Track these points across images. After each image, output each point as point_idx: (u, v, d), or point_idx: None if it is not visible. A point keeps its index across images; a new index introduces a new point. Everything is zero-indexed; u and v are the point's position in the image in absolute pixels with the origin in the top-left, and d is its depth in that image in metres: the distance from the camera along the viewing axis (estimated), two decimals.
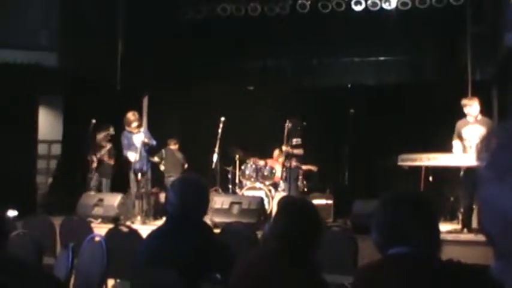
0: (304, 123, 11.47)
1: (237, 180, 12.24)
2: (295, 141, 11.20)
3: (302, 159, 11.48)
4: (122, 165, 11.23)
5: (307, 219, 3.14)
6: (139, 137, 10.67)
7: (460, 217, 9.54)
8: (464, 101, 9.17)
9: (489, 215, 1.06)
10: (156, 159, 11.87)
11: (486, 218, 1.08)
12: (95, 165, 11.70)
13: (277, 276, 3.01)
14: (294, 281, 2.98)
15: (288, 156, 11.21)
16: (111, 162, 11.85)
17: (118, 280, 6.03)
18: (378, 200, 2.72)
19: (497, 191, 1.03)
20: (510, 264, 1.04)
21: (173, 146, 12.34)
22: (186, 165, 12.32)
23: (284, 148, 11.21)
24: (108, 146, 11.87)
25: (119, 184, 11.68)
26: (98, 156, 11.70)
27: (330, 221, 10.88)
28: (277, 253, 3.07)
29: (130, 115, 10.68)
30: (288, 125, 11.16)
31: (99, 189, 11.70)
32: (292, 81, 13.94)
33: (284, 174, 11.34)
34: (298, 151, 11.29)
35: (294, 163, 11.28)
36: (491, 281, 1.02)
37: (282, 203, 3.52)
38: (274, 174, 11.96)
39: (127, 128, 10.74)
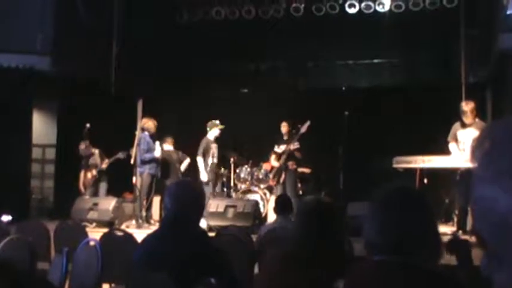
0: (299, 126, 11.49)
1: (232, 184, 12.23)
2: (295, 144, 11.21)
3: (298, 163, 11.50)
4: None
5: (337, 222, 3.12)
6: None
7: (455, 219, 9.56)
8: (461, 104, 9.20)
9: (482, 217, 1.06)
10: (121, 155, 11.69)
11: (478, 219, 1.07)
12: (92, 176, 11.77)
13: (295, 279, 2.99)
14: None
15: (289, 157, 11.23)
16: (104, 166, 11.83)
17: (113, 285, 6.01)
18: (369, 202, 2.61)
19: (491, 192, 1.02)
20: (502, 266, 1.04)
21: (169, 145, 12.00)
22: (186, 162, 12.08)
23: (286, 148, 11.19)
24: (96, 151, 11.88)
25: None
26: (95, 167, 11.75)
27: None
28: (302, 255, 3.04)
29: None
30: (289, 127, 11.27)
31: (95, 195, 11.71)
32: (286, 84, 13.95)
33: (283, 175, 11.32)
34: (298, 154, 11.30)
35: (293, 166, 11.30)
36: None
37: (311, 206, 3.41)
38: (269, 177, 11.95)
39: (149, 133, 10.83)
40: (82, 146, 11.80)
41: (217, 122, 11.25)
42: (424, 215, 2.41)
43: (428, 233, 2.37)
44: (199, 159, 11.08)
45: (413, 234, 2.33)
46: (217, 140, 11.25)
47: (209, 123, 11.22)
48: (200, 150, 11.08)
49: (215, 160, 11.19)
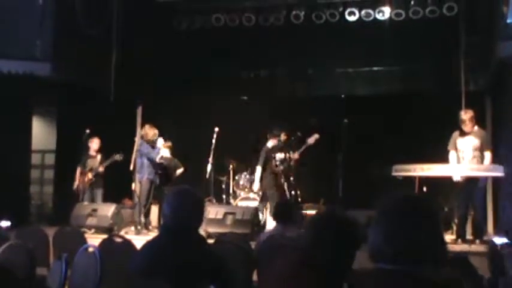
0: (299, 134, 11.51)
1: (231, 191, 12.23)
2: (297, 154, 11.29)
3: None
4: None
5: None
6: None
7: (455, 227, 9.57)
8: (460, 113, 9.23)
9: None
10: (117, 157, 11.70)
11: None
12: (88, 179, 11.71)
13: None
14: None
15: (290, 166, 11.29)
16: (101, 169, 11.81)
17: None
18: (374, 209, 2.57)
19: None
20: None
21: (166, 150, 11.78)
22: (179, 171, 11.99)
23: (289, 156, 11.25)
24: (99, 156, 11.87)
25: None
26: (90, 170, 11.71)
27: None
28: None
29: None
30: (288, 136, 11.35)
31: (92, 201, 11.68)
32: (286, 91, 13.95)
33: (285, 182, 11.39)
34: (295, 164, 11.38)
35: (292, 174, 11.38)
36: None
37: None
38: None
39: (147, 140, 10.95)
40: (95, 142, 11.81)
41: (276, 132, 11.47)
42: (430, 224, 2.39)
43: (433, 242, 2.35)
44: (259, 169, 11.32)
45: (418, 243, 2.30)
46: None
47: (269, 134, 11.36)
48: (261, 160, 11.34)
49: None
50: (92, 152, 11.83)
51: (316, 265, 2.99)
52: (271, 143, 11.33)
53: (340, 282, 2.80)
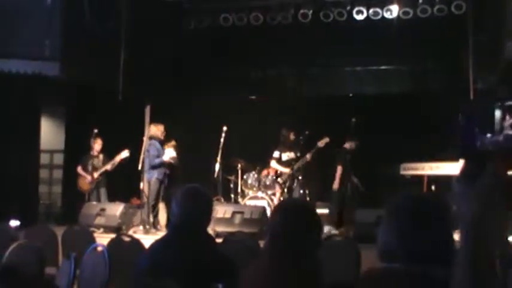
0: (307, 133, 11.52)
1: (239, 190, 12.22)
2: (309, 157, 11.38)
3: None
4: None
5: (301, 218, 3.12)
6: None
7: None
8: None
9: None
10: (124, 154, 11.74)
11: None
12: (94, 179, 11.75)
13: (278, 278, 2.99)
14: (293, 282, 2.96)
15: (299, 167, 11.38)
16: (109, 168, 11.84)
17: None
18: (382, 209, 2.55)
19: None
20: None
21: (172, 150, 11.66)
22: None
23: (300, 157, 11.35)
24: (101, 155, 11.91)
25: None
26: (95, 169, 11.75)
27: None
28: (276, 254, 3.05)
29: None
30: (296, 135, 11.41)
31: (98, 200, 11.72)
32: (294, 91, 13.95)
33: (292, 182, 11.44)
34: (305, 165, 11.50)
35: (301, 174, 11.47)
36: None
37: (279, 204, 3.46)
38: (277, 183, 11.92)
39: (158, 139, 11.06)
40: (98, 143, 11.86)
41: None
42: (442, 223, 2.38)
43: (446, 241, 2.34)
44: (340, 169, 11.50)
45: (431, 243, 2.29)
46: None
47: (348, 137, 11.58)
48: (341, 160, 11.50)
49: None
50: (94, 152, 11.89)
51: (289, 254, 3.02)
52: (348, 145, 11.44)
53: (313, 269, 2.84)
